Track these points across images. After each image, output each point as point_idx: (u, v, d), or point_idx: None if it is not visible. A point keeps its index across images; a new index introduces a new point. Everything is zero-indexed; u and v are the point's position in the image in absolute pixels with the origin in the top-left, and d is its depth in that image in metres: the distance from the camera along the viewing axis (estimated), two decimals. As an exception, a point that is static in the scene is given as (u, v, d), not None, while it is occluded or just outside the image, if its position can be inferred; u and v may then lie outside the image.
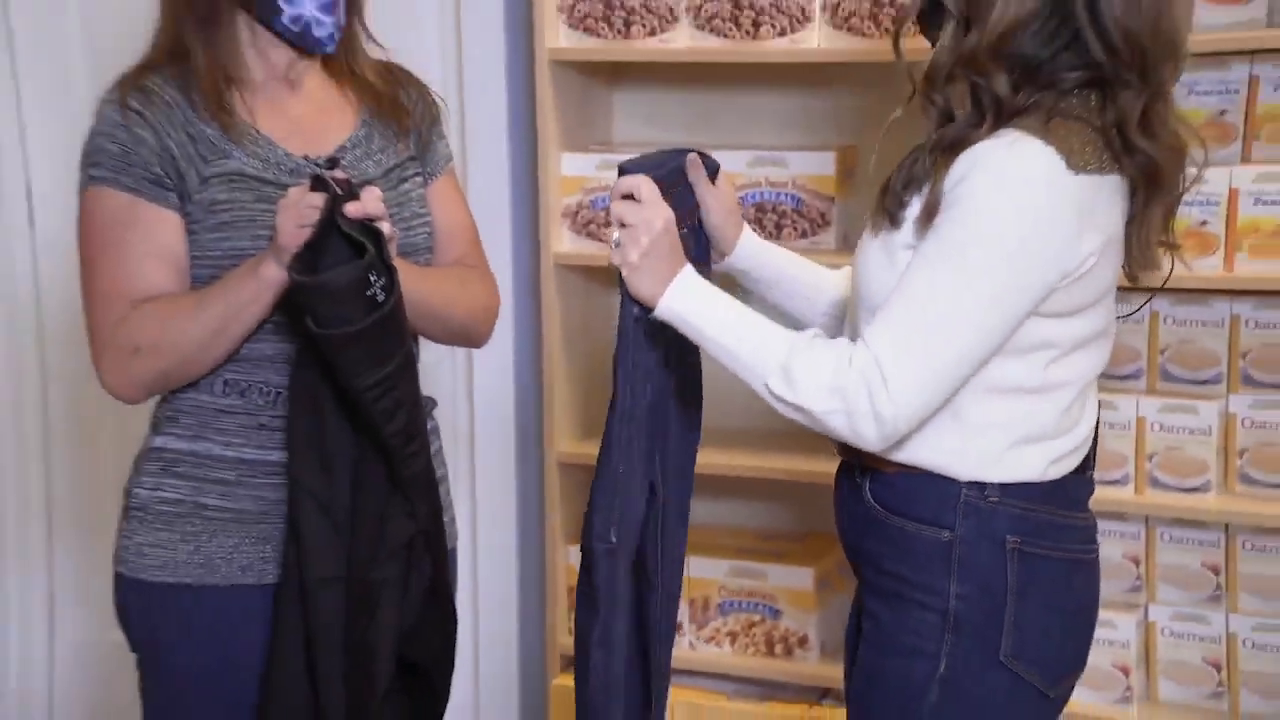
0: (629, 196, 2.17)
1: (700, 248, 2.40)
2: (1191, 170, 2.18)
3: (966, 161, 2.03)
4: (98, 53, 3.77)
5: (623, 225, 2.16)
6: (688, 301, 2.15)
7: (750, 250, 2.45)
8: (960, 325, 2.02)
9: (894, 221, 2.12)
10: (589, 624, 2.27)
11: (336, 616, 2.36)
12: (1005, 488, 2.12)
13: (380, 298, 2.23)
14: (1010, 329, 2.04)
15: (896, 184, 2.13)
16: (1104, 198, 2.05)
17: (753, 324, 2.15)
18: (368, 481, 2.37)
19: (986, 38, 2.03)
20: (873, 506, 2.20)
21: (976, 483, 2.12)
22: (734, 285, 2.40)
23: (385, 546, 2.38)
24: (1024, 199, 2.01)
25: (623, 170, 2.22)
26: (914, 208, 2.09)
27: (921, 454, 2.13)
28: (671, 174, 2.35)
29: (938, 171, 2.06)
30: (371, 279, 2.22)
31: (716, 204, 2.40)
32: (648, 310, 2.18)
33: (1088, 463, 2.25)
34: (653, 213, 2.16)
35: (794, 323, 2.38)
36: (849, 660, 2.36)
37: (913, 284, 2.05)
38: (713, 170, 2.41)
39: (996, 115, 2.06)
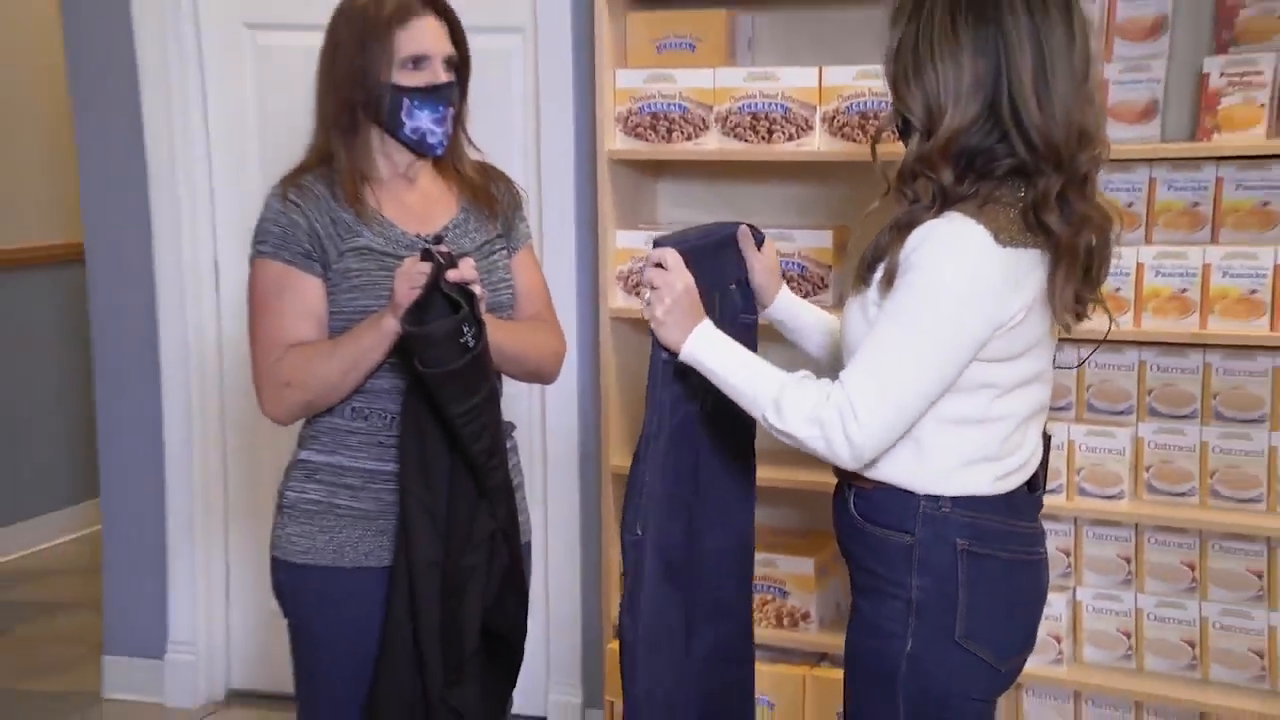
0: (659, 265, 2.19)
1: (747, 301, 2.43)
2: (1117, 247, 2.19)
3: (917, 237, 2.03)
4: (269, 159, 3.81)
5: (652, 288, 2.19)
6: (704, 350, 2.16)
7: (785, 304, 2.47)
8: (914, 369, 2.02)
9: (865, 284, 2.12)
10: (623, 595, 2.27)
11: (435, 593, 2.39)
12: (956, 500, 2.11)
13: (471, 344, 2.28)
14: (956, 372, 2.04)
15: (867, 256, 2.14)
16: (1025, 266, 2.03)
17: (754, 367, 2.16)
18: (459, 488, 2.40)
19: (937, 142, 2.04)
20: (854, 516, 2.19)
21: (932, 496, 2.11)
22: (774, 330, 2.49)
23: (472, 539, 2.41)
24: (961, 267, 2.01)
25: (656, 244, 2.23)
26: (879, 274, 2.09)
27: (888, 472, 2.12)
28: (719, 243, 2.38)
29: (894, 245, 2.06)
30: (465, 330, 2.27)
31: (761, 266, 2.43)
32: (674, 355, 2.19)
33: (1035, 481, 2.22)
34: (676, 278, 2.17)
35: (813, 359, 2.46)
36: None
37: (878, 336, 2.05)
38: (760, 240, 2.42)
39: (943, 201, 2.06)
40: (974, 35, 2.03)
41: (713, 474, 2.44)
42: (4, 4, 5.47)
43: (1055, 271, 2.06)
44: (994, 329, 2.03)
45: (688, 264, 2.21)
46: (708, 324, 2.19)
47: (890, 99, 2.15)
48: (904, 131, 2.15)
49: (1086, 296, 2.16)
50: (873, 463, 2.11)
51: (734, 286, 2.40)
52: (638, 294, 3.41)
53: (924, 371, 2.03)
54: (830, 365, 2.40)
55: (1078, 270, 2.09)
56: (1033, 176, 2.04)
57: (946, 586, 2.12)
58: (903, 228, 2.07)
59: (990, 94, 2.04)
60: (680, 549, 2.38)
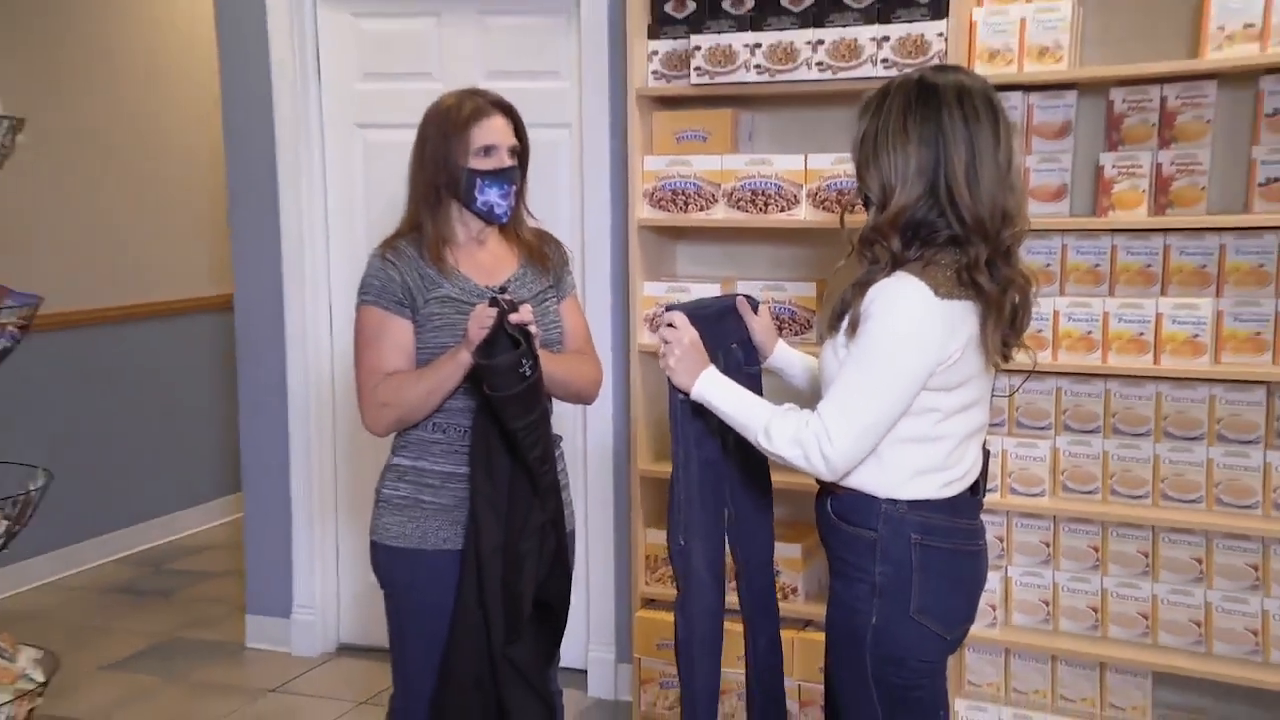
0: (670, 325, 2.19)
1: (749, 356, 2.40)
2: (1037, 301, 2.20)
3: (873, 293, 2.04)
4: (372, 229, 3.84)
5: (665, 342, 2.19)
6: (709, 390, 2.17)
7: (781, 355, 2.45)
8: (874, 399, 2.03)
9: (834, 331, 2.13)
10: (676, 599, 2.25)
11: (498, 571, 2.40)
12: (911, 503, 2.11)
13: (529, 374, 2.29)
14: (908, 400, 2.04)
15: (835, 309, 2.14)
16: (959, 315, 2.03)
17: (748, 402, 2.16)
18: (518, 488, 2.41)
19: (887, 215, 2.06)
20: (830, 515, 2.19)
21: (891, 499, 2.11)
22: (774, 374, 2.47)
23: (528, 528, 2.42)
24: (908, 316, 2.01)
25: (667, 309, 2.24)
26: (845, 323, 2.09)
27: (857, 480, 2.12)
28: (719, 311, 2.37)
29: (855, 300, 2.07)
30: (524, 362, 2.28)
31: (759, 327, 2.42)
32: (686, 395, 2.19)
33: (977, 487, 2.21)
34: (683, 334, 2.18)
35: (801, 392, 2.43)
36: None
37: (845, 374, 2.05)
38: (755, 305, 2.42)
39: (893, 264, 2.06)
40: (919, 132, 2.04)
41: (741, 495, 2.41)
42: (180, 113, 5.56)
43: (985, 322, 2.06)
44: (936, 365, 2.03)
45: (693, 325, 2.21)
46: (712, 369, 2.19)
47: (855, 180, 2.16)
48: (866, 205, 2.14)
49: (1012, 341, 2.15)
50: (846, 474, 2.11)
51: (735, 345, 2.38)
52: (654, 330, 3.41)
53: (882, 401, 2.03)
54: (813, 397, 2.36)
55: (1004, 320, 2.09)
56: (965, 246, 2.04)
57: (903, 572, 2.11)
58: (861, 285, 2.08)
59: (931, 179, 2.04)
60: (721, 560, 2.36)
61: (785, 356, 2.47)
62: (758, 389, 2.34)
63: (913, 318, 2.02)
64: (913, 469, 2.11)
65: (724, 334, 2.36)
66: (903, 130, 2.06)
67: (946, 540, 2.14)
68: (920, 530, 2.12)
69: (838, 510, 2.18)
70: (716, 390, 2.18)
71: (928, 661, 2.17)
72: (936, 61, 3.01)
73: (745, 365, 2.39)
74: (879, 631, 2.12)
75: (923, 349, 2.02)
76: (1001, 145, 2.06)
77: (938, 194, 2.05)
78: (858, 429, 2.04)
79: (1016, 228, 2.09)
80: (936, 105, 2.05)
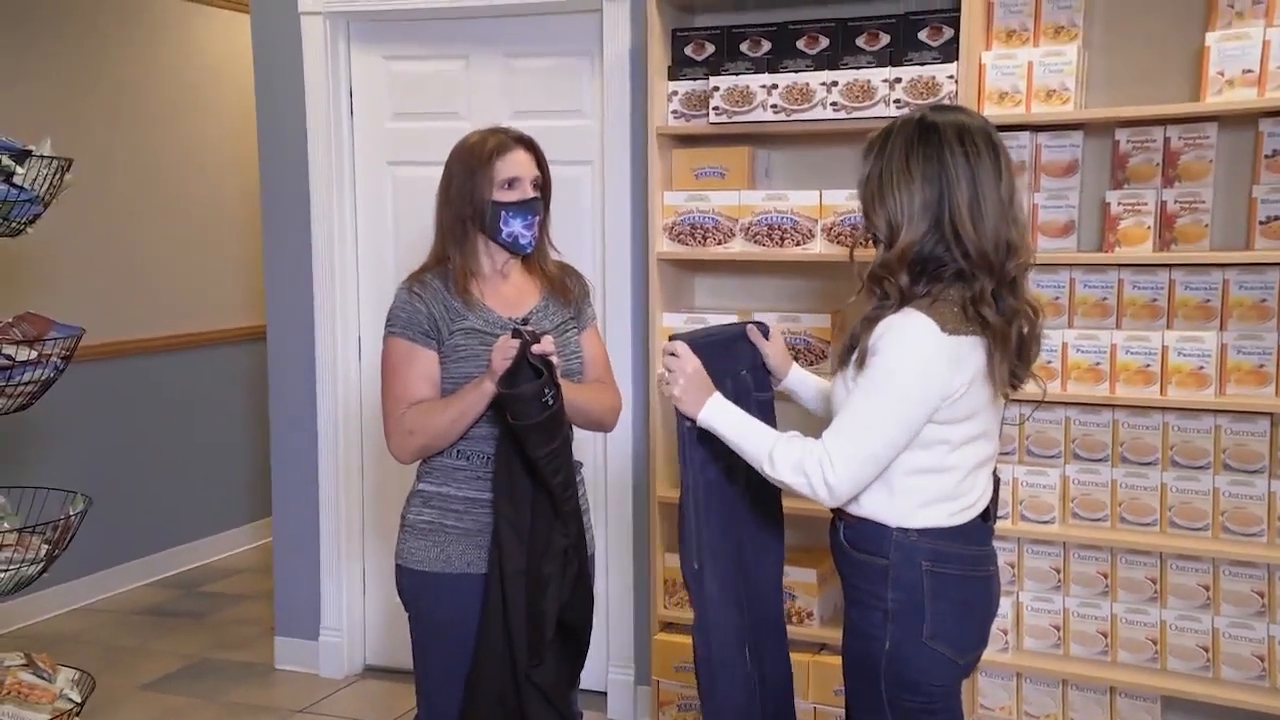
0: (673, 354, 2.21)
1: (760, 382, 2.42)
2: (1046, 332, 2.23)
3: (882, 328, 2.06)
4: (401, 263, 3.90)
5: (669, 371, 2.21)
6: (715, 416, 2.18)
7: (796, 378, 2.47)
8: (878, 431, 2.04)
9: (845, 364, 2.14)
10: (694, 620, 2.26)
11: (521, 593, 2.40)
12: (922, 531, 2.11)
13: (550, 403, 2.31)
14: (912, 432, 2.05)
15: (846, 343, 2.16)
16: (965, 350, 2.05)
17: (753, 428, 2.16)
18: (540, 512, 2.41)
19: (895, 252, 2.07)
20: (843, 543, 2.20)
21: (902, 528, 2.11)
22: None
23: (550, 551, 2.42)
24: (915, 352, 2.03)
25: (671, 339, 2.25)
26: (854, 356, 2.11)
27: (869, 509, 2.14)
28: (728, 339, 2.38)
29: (864, 335, 2.09)
30: (545, 392, 2.30)
31: (772, 351, 2.44)
32: (693, 422, 2.21)
33: (988, 513, 2.21)
34: (686, 363, 2.19)
35: (814, 414, 2.46)
36: None
37: (851, 405, 2.07)
38: (766, 331, 2.44)
39: (901, 299, 2.07)
40: (923, 170, 2.06)
41: (751, 517, 2.41)
42: (215, 149, 5.64)
43: (991, 355, 2.07)
44: (941, 399, 2.04)
45: (697, 354, 2.21)
46: (717, 396, 2.19)
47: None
48: (875, 242, 2.16)
49: (1021, 372, 2.16)
50: (855, 501, 2.13)
51: (745, 372, 2.38)
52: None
53: (886, 432, 2.04)
54: (825, 420, 2.35)
55: (1011, 352, 2.10)
56: (970, 280, 2.05)
57: (915, 598, 2.11)
58: (870, 320, 2.10)
59: (936, 214, 2.06)
60: (734, 581, 2.35)
61: (800, 379, 2.48)
62: (769, 414, 2.36)
63: (919, 353, 2.03)
64: (923, 499, 2.12)
65: (733, 360, 2.36)
66: (906, 169, 2.07)
67: (957, 567, 2.14)
68: (931, 557, 2.12)
69: (850, 538, 2.18)
70: (721, 416, 2.18)
71: (941, 686, 2.16)
72: (947, 102, 3.06)
73: (756, 391, 2.40)
74: (892, 657, 2.12)
75: (927, 383, 2.04)
76: (1003, 180, 2.09)
77: (943, 229, 2.06)
78: (860, 457, 2.05)
79: (1021, 259, 2.10)
80: (938, 143, 2.07)
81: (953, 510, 2.14)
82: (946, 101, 3.03)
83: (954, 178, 2.06)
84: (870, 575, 2.15)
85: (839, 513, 2.21)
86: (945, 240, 2.07)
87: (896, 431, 2.05)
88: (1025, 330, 2.13)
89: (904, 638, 2.12)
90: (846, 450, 2.05)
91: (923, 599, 2.12)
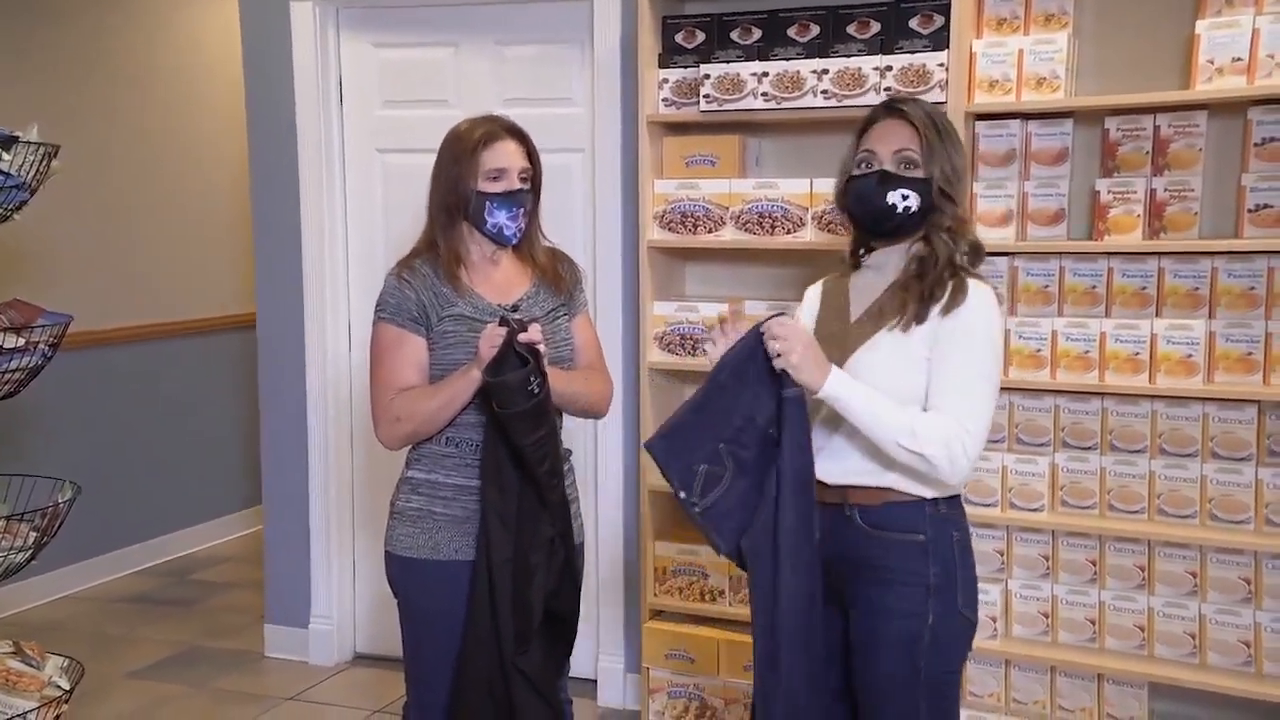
0: (782, 325, 2.10)
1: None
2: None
3: (974, 300, 2.13)
4: (391, 250, 3.90)
5: (781, 340, 2.07)
6: (842, 387, 2.08)
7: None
8: (988, 404, 2.13)
9: (903, 319, 2.16)
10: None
11: (508, 582, 2.39)
12: (947, 502, 2.17)
13: (536, 391, 2.29)
14: None
15: (914, 298, 2.16)
16: None
17: (883, 402, 2.09)
18: (527, 501, 2.40)
19: (966, 212, 2.33)
20: (862, 528, 2.17)
21: (933, 501, 2.15)
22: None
23: (536, 540, 2.41)
24: (999, 324, 2.19)
25: (771, 317, 2.11)
26: (932, 308, 2.15)
27: (905, 486, 2.14)
28: (751, 343, 2.18)
29: (937, 294, 2.15)
30: (531, 380, 2.28)
31: None
32: (793, 390, 2.08)
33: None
34: (798, 331, 2.11)
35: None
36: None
37: (963, 378, 2.10)
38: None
39: (949, 265, 2.17)
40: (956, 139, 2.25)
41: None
42: (205, 137, 5.61)
43: None
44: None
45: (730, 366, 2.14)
46: (836, 369, 2.11)
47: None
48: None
49: None
50: (890, 481, 2.14)
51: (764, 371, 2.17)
52: (671, 350, 3.42)
53: (992, 405, 2.14)
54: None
55: None
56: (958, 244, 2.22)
57: (950, 569, 2.16)
58: (931, 283, 2.15)
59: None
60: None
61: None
62: (803, 411, 2.14)
63: (1000, 326, 2.18)
64: None
65: (753, 363, 2.17)
66: (955, 137, 2.21)
67: (968, 533, 2.24)
68: (956, 528, 2.19)
69: (874, 521, 2.17)
70: (847, 387, 2.09)
71: (968, 652, 2.24)
72: (937, 91, 3.06)
73: (784, 387, 2.16)
74: (935, 632, 2.14)
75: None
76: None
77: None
78: (984, 433, 2.11)
79: None
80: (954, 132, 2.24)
81: None
82: (943, 91, 3.06)
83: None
84: (906, 554, 2.16)
85: (854, 497, 2.19)
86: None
87: (995, 403, 2.16)
88: None
89: (944, 610, 2.15)
90: (978, 426, 2.09)
91: (955, 569, 2.17)
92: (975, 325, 2.11)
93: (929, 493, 2.15)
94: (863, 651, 2.21)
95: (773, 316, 2.13)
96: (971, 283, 2.16)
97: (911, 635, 2.15)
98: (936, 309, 2.14)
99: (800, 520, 2.11)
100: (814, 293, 2.41)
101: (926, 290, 2.16)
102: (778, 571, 2.10)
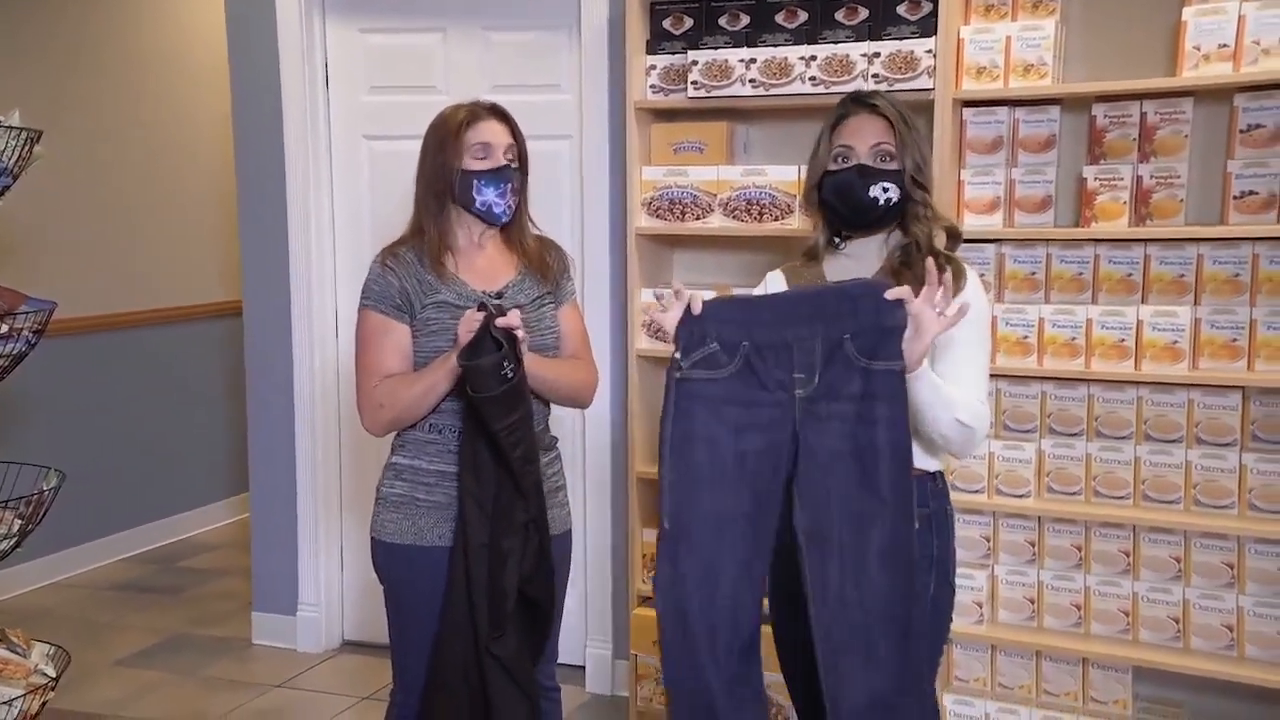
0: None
1: (883, 346, 2.03)
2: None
3: (971, 282, 2.22)
4: (378, 236, 3.90)
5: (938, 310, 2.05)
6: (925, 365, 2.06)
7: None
8: (986, 378, 2.21)
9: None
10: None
11: (484, 568, 2.39)
12: (939, 474, 2.24)
13: (510, 376, 2.30)
14: None
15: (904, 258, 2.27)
16: None
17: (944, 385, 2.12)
18: (501, 486, 2.39)
19: (932, 199, 2.31)
20: None
21: (931, 474, 2.21)
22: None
23: (511, 526, 2.40)
24: (987, 301, 2.27)
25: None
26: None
27: (918, 461, 2.14)
28: (831, 296, 2.06)
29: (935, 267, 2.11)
30: (504, 365, 2.29)
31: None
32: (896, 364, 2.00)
33: None
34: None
35: None
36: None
37: (968, 356, 2.16)
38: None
39: (927, 249, 2.23)
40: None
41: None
42: (192, 123, 5.59)
43: None
44: None
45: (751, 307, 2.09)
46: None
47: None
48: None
49: None
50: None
51: (849, 337, 2.00)
52: (659, 338, 3.40)
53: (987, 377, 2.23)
54: None
55: None
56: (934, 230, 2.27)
57: (946, 541, 2.23)
58: (929, 255, 2.19)
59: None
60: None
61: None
62: (900, 386, 2.02)
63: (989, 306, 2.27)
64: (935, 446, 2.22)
65: (825, 323, 2.02)
66: (918, 126, 2.27)
67: (949, 506, 2.28)
68: (948, 500, 2.26)
69: None
70: (925, 365, 2.08)
71: (951, 621, 2.29)
72: (925, 77, 3.06)
73: (873, 359, 2.00)
74: (936, 603, 2.19)
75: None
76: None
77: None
78: (989, 406, 2.18)
79: None
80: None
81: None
82: (930, 77, 3.07)
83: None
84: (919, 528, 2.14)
85: None
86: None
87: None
88: None
89: (942, 580, 2.21)
90: (985, 400, 2.17)
91: (949, 540, 2.23)
92: (978, 306, 2.17)
93: (934, 465, 2.21)
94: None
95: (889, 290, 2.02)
96: (969, 271, 2.23)
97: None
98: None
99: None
100: (776, 278, 2.42)
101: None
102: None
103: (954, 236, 2.34)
